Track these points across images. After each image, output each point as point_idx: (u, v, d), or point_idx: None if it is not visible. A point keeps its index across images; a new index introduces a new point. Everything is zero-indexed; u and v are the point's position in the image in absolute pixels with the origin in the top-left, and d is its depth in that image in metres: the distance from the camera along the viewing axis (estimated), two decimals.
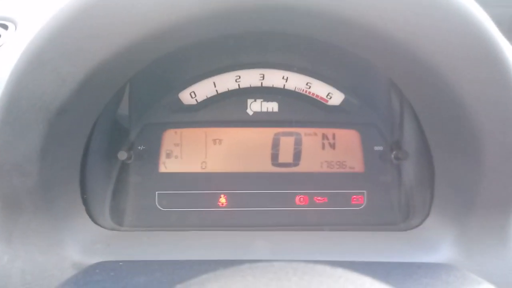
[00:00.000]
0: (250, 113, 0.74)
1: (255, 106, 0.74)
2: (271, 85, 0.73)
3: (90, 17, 0.45)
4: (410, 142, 0.70)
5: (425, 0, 0.45)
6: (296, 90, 0.73)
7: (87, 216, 0.62)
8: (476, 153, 0.52)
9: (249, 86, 0.73)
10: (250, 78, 0.73)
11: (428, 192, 0.65)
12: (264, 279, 0.28)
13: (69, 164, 0.59)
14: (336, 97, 0.74)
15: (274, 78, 0.73)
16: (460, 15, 0.45)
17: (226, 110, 0.74)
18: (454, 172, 0.58)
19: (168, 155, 0.73)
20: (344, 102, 0.74)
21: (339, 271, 0.30)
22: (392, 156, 0.71)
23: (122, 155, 0.68)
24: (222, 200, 0.72)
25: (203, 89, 0.73)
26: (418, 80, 0.53)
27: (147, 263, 0.54)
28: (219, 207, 0.72)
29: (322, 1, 0.45)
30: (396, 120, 0.72)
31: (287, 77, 0.73)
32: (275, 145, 0.73)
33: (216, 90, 0.73)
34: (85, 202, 0.63)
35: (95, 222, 0.63)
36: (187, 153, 0.73)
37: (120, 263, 0.54)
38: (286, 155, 0.73)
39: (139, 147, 0.72)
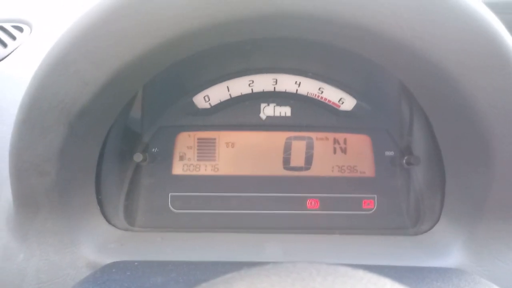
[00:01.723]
0: (263, 117, 0.75)
1: (268, 110, 0.75)
2: (284, 90, 0.74)
3: (114, 21, 0.46)
4: (421, 147, 0.71)
5: (439, 7, 0.45)
6: (309, 95, 0.74)
7: (101, 217, 0.63)
8: (486, 158, 0.53)
9: (262, 90, 0.74)
10: (263, 82, 0.74)
11: (438, 197, 0.65)
12: (289, 278, 0.28)
13: (86, 166, 0.59)
14: (348, 103, 0.74)
15: (287, 83, 0.74)
16: (474, 22, 0.46)
17: (239, 114, 0.74)
18: (465, 177, 0.59)
19: (181, 158, 0.74)
20: (356, 107, 0.75)
21: (361, 273, 0.30)
22: (404, 161, 0.72)
23: (138, 157, 0.69)
24: (234, 202, 0.72)
25: (217, 93, 0.74)
26: (431, 86, 0.54)
27: (162, 263, 0.54)
28: (231, 209, 0.72)
29: (336, 9, 0.45)
30: (407, 126, 0.73)
31: (300, 82, 0.74)
32: (287, 149, 0.74)
33: (230, 94, 0.74)
34: (99, 202, 0.63)
35: (109, 223, 0.64)
36: (200, 156, 0.74)
37: (136, 263, 0.54)
38: (297, 159, 0.74)
39: (153, 150, 0.73)
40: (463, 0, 0.46)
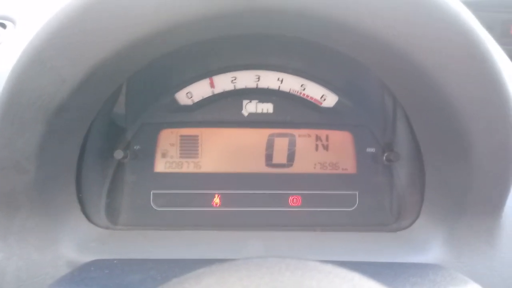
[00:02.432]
0: (246, 114, 0.75)
1: (250, 107, 0.75)
2: (266, 87, 0.74)
3: (91, 17, 0.46)
4: (402, 144, 0.71)
5: (418, 6, 0.46)
6: (291, 91, 0.74)
7: (82, 215, 0.63)
8: (465, 155, 0.53)
9: (244, 87, 0.74)
10: (245, 79, 0.74)
11: (419, 193, 0.65)
12: (258, 272, 0.29)
13: (66, 163, 0.59)
14: (330, 99, 0.75)
15: (269, 79, 0.74)
16: (449, 20, 0.46)
17: (222, 110, 0.74)
18: (444, 174, 0.60)
19: (164, 155, 0.74)
20: (337, 104, 0.75)
21: (329, 267, 0.31)
22: (384, 158, 0.72)
23: (119, 154, 0.69)
24: (216, 200, 0.72)
25: (199, 90, 0.74)
26: (409, 84, 0.55)
27: (142, 261, 0.54)
28: (213, 207, 0.72)
29: (316, 5, 0.45)
30: (388, 122, 0.73)
31: (282, 79, 0.74)
32: (269, 146, 0.74)
33: (212, 91, 0.74)
34: (80, 201, 0.63)
35: (90, 221, 0.64)
36: (182, 153, 0.74)
37: (115, 261, 0.54)
38: (280, 156, 0.74)
39: (135, 147, 0.73)
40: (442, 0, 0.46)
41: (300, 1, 0.45)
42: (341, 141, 0.75)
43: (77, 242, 0.59)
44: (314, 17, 0.46)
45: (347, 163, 0.75)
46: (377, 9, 0.46)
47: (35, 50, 0.47)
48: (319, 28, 0.49)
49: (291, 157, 0.74)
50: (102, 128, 0.67)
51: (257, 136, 0.74)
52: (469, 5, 0.58)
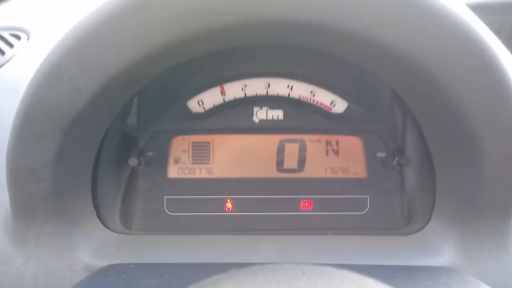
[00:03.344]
0: (256, 120, 0.75)
1: (261, 114, 0.75)
2: (276, 94, 0.75)
3: (108, 31, 0.47)
4: (412, 148, 0.71)
5: (422, 11, 0.46)
6: (301, 98, 0.75)
7: (97, 220, 0.64)
8: (475, 159, 0.54)
9: (255, 94, 0.75)
10: (256, 86, 0.75)
11: (430, 197, 0.66)
12: (275, 279, 0.29)
13: (82, 171, 0.60)
14: (340, 105, 0.75)
15: (279, 86, 0.75)
16: (457, 26, 0.47)
17: (233, 117, 0.75)
18: (455, 178, 0.60)
19: (176, 161, 0.74)
20: (347, 110, 0.75)
21: (345, 273, 0.31)
22: (394, 162, 0.73)
23: (133, 161, 0.70)
24: (229, 205, 0.73)
25: (211, 98, 0.75)
26: (418, 89, 0.55)
27: (157, 266, 0.55)
28: (225, 211, 0.73)
29: (319, 15, 0.46)
30: (398, 127, 0.74)
31: (292, 86, 0.75)
32: (280, 151, 0.75)
33: (223, 99, 0.75)
34: (96, 207, 0.64)
35: (106, 226, 0.65)
36: (194, 159, 0.75)
37: (131, 266, 0.55)
38: (291, 161, 0.75)
39: (148, 154, 0.74)
40: (446, 4, 0.47)
41: (309, 13, 0.46)
42: (351, 146, 0.75)
43: (93, 247, 0.60)
44: (325, 29, 0.47)
45: (358, 168, 0.75)
46: (386, 19, 0.46)
47: (53, 63, 0.49)
48: (328, 39, 0.50)
49: (302, 162, 0.75)
50: (116, 136, 0.69)
51: (268, 142, 0.75)
52: (476, 8, 0.59)
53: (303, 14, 0.46)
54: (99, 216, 0.64)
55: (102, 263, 0.57)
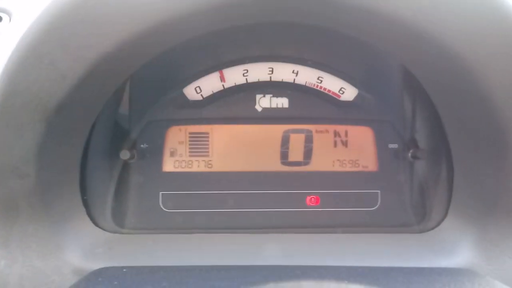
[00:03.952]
0: (259, 109, 0.71)
1: (264, 101, 0.71)
2: (280, 80, 0.71)
3: (92, 4, 0.42)
4: (426, 139, 0.68)
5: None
6: (307, 84, 0.71)
7: (87, 219, 0.61)
8: (501, 151, 0.50)
9: (257, 80, 0.70)
10: (258, 72, 0.70)
11: (446, 192, 0.63)
12: None
13: (69, 165, 0.56)
14: (349, 92, 0.71)
15: (284, 72, 0.71)
16: (489, 6, 0.42)
17: (233, 106, 0.71)
18: (475, 171, 0.56)
19: (173, 154, 0.70)
20: (357, 97, 0.71)
21: None
22: (409, 154, 0.69)
23: (125, 154, 0.66)
24: (229, 201, 0.70)
25: (209, 84, 0.71)
26: (440, 73, 0.51)
27: (152, 269, 0.52)
28: (226, 208, 0.69)
29: None
30: (411, 117, 0.70)
31: (298, 71, 0.70)
32: (285, 142, 0.71)
33: (223, 85, 0.70)
34: (85, 203, 0.61)
35: (96, 225, 0.61)
36: (192, 151, 0.71)
37: (124, 269, 0.52)
38: (296, 154, 0.71)
39: (142, 145, 0.70)
40: None
41: None
42: (361, 137, 0.71)
43: (82, 247, 0.57)
44: (350, 6, 0.43)
45: (368, 160, 0.71)
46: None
47: (31, 43, 0.44)
48: (352, 17, 0.46)
49: (308, 155, 0.71)
50: (106, 126, 0.65)
51: (272, 133, 0.71)
52: None
53: None
54: (89, 214, 0.61)
55: (93, 265, 0.54)
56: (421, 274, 0.50)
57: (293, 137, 0.71)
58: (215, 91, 0.71)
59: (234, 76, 0.70)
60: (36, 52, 0.44)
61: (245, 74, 0.70)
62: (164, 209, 0.69)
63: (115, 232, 0.63)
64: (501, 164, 0.51)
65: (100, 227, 0.62)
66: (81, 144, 0.56)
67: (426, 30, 0.44)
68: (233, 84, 0.70)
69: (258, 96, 0.71)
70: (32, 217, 0.53)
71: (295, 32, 0.63)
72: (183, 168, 0.70)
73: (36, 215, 0.53)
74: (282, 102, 0.71)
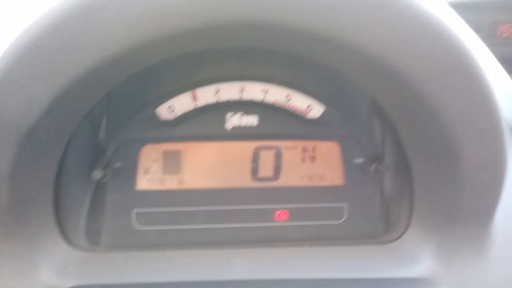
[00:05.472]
0: (229, 127, 0.72)
1: (234, 120, 0.72)
2: (250, 98, 0.72)
3: (62, 34, 0.43)
4: (390, 154, 0.70)
5: (400, 16, 0.45)
6: (276, 103, 0.72)
7: (60, 238, 0.60)
8: (454, 165, 0.53)
9: (228, 99, 0.72)
10: (229, 91, 0.72)
11: (408, 204, 0.65)
12: None
13: (42, 185, 0.57)
14: (316, 109, 0.73)
15: (254, 91, 0.72)
16: (436, 31, 0.45)
17: (205, 124, 0.72)
18: (433, 184, 0.59)
19: (146, 172, 0.71)
20: (324, 114, 0.73)
21: None
22: (372, 168, 0.71)
23: (97, 174, 0.66)
24: (200, 217, 0.70)
25: (181, 103, 0.71)
26: (395, 95, 0.53)
27: (123, 287, 0.52)
28: (197, 224, 0.70)
29: (299, 20, 0.44)
30: (376, 132, 0.72)
31: (267, 90, 0.72)
32: (255, 159, 0.72)
33: (195, 104, 0.72)
34: (59, 222, 0.61)
35: (70, 243, 0.61)
36: (165, 169, 0.71)
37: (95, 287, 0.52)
38: (266, 170, 0.72)
39: (116, 164, 0.70)
40: (422, 5, 0.45)
41: (286, 16, 0.44)
42: (328, 152, 0.73)
43: (56, 266, 0.57)
44: (306, 35, 0.45)
45: (335, 175, 0.73)
46: (363, 22, 0.44)
47: (3, 71, 0.45)
48: (303, 43, 0.48)
49: (277, 170, 0.72)
50: (80, 146, 0.65)
51: (242, 150, 0.72)
52: (456, 6, 0.58)
53: (277, 17, 0.44)
54: (62, 232, 0.61)
55: (66, 284, 0.54)
56: (379, 285, 0.52)
57: (263, 153, 0.72)
58: (187, 110, 0.71)
59: (206, 95, 0.71)
60: (7, 79, 0.45)
61: (216, 93, 0.71)
62: (138, 227, 0.69)
63: (88, 250, 0.63)
64: (454, 178, 0.54)
65: (73, 246, 0.61)
66: (54, 164, 0.57)
67: (377, 57, 0.46)
68: (204, 104, 0.71)
69: (229, 114, 0.72)
70: (5, 236, 0.54)
71: (264, 52, 0.65)
72: (156, 186, 0.71)
73: (9, 234, 0.54)
74: (252, 120, 0.72)
